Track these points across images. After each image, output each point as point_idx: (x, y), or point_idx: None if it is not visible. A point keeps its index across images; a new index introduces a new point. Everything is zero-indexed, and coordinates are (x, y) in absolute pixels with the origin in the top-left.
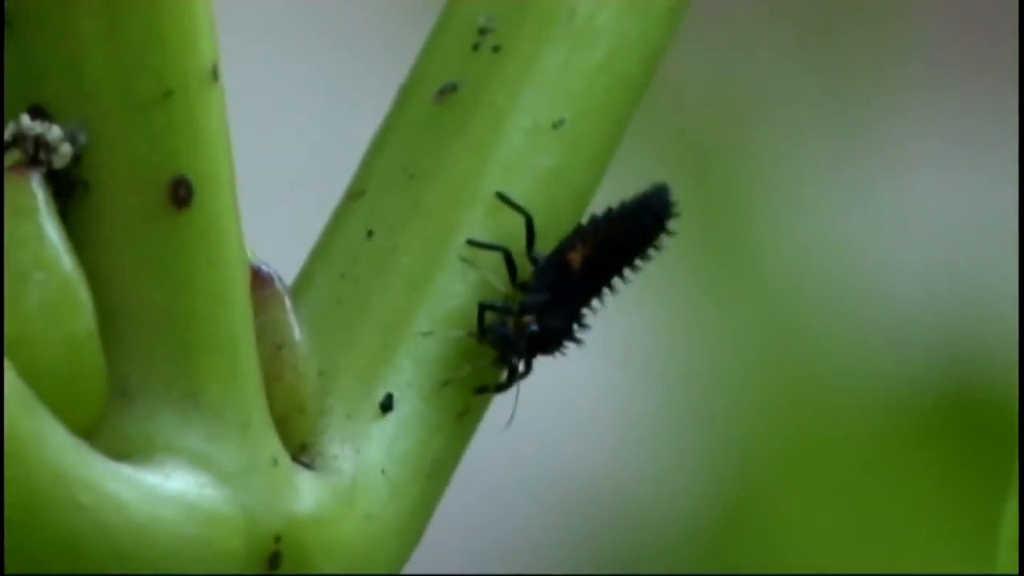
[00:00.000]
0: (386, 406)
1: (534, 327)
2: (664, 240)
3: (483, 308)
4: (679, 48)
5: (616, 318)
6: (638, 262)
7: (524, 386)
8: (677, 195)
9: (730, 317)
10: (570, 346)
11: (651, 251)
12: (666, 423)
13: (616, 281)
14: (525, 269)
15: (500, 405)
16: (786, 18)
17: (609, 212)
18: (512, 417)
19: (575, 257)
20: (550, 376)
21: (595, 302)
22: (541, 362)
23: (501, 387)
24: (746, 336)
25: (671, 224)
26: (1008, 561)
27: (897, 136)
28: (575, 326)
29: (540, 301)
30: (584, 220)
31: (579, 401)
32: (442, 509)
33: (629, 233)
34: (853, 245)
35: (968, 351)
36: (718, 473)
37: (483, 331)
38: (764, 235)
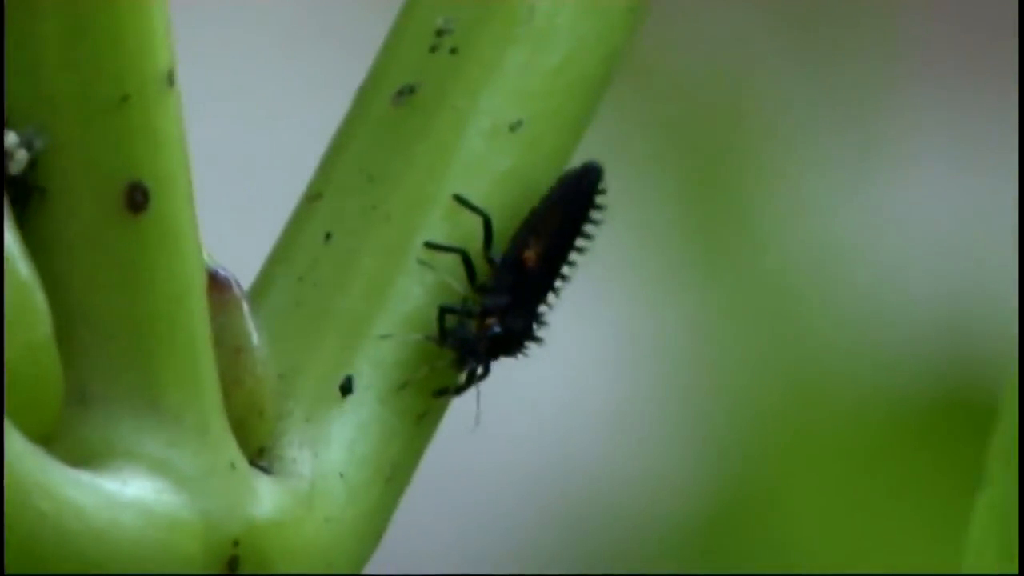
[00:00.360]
0: (346, 388)
1: (496, 329)
2: (599, 216)
3: (443, 311)
4: (679, 43)
5: (613, 314)
6: (582, 245)
7: (519, 383)
8: (678, 191)
9: (729, 313)
10: (538, 345)
11: (592, 230)
12: (662, 420)
13: (567, 270)
14: (484, 271)
15: (489, 404)
16: (787, 13)
17: (544, 202)
18: (477, 418)
19: (530, 255)
20: (545, 372)
21: (552, 298)
22: (536, 359)
23: (460, 389)
24: (745, 332)
25: (603, 199)
26: (976, 560)
27: (899, 132)
28: (535, 325)
29: (501, 303)
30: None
31: (575, 398)
32: (437, 508)
33: (573, 218)
34: (854, 242)
35: (969, 349)
36: (715, 470)
37: (443, 335)
38: (765, 231)
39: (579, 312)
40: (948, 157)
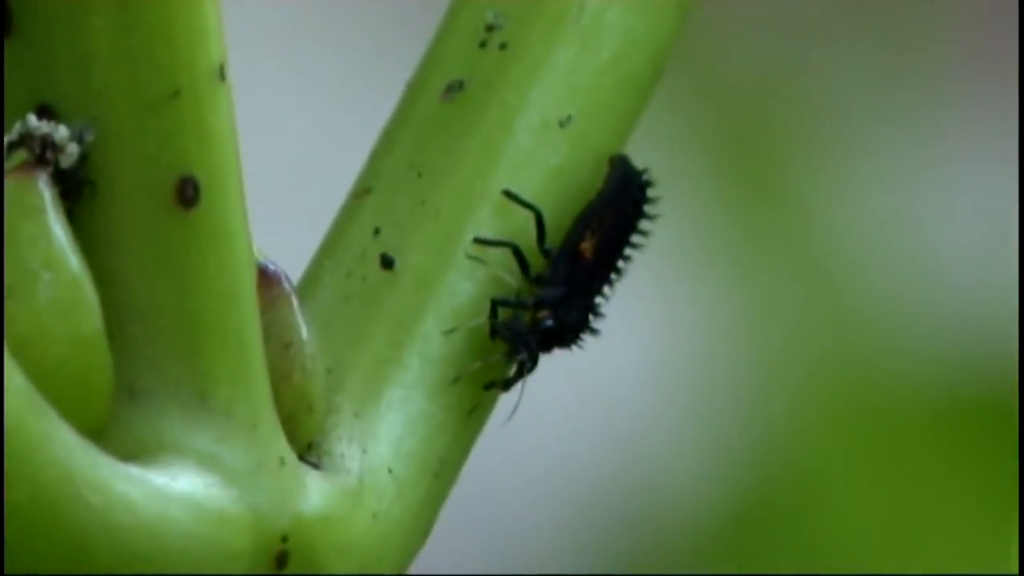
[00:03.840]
0: (387, 261)
1: (549, 322)
2: (655, 211)
3: (496, 304)
4: (729, 27)
5: (647, 313)
6: (639, 240)
7: (551, 375)
8: (723, 174)
9: (767, 312)
10: (594, 337)
11: (649, 226)
12: (696, 422)
13: (623, 265)
14: (536, 264)
15: (530, 398)
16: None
17: (601, 198)
18: (514, 412)
19: (587, 247)
20: (578, 365)
21: (608, 290)
22: (572, 357)
23: (509, 383)
24: (782, 330)
25: (655, 192)
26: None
27: (946, 123)
28: (592, 317)
29: (557, 294)
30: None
31: (610, 399)
32: (461, 505)
33: (627, 213)
34: (899, 229)
35: (1005, 347)
36: (750, 470)
37: (496, 327)
38: (807, 218)
39: (614, 311)
40: (995, 154)
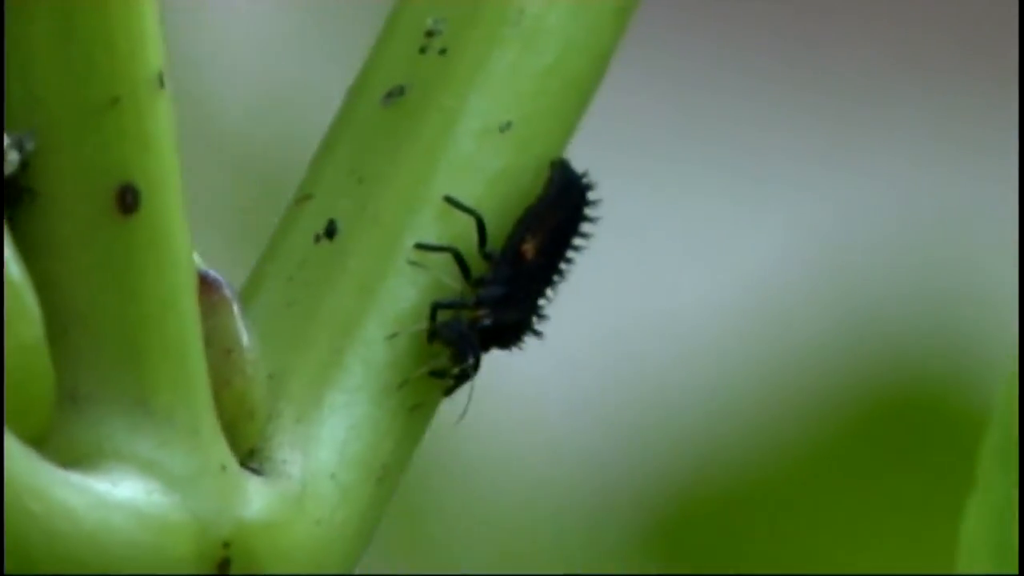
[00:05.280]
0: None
1: (487, 321)
2: (595, 213)
3: (436, 307)
4: None
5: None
6: (580, 243)
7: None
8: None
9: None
10: (537, 338)
11: (589, 228)
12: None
13: (565, 267)
14: (478, 268)
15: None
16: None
17: (542, 201)
18: (465, 411)
19: (528, 248)
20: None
21: (550, 292)
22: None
23: (459, 381)
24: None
25: (596, 195)
26: (968, 561)
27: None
28: (534, 318)
29: (496, 295)
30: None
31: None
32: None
33: (568, 216)
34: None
35: (949, 348)
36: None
37: (435, 329)
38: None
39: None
40: (937, 155)
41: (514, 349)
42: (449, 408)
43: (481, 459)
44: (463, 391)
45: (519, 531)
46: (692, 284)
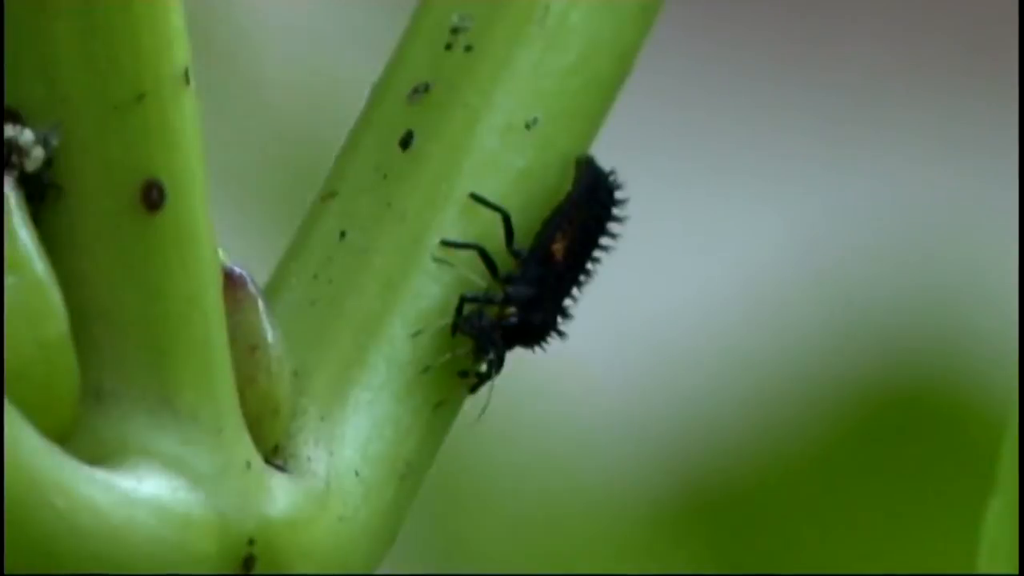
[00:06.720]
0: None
1: (513, 319)
2: (623, 213)
3: (463, 300)
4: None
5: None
6: (607, 242)
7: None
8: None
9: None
10: (560, 339)
11: (617, 228)
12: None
13: (592, 267)
14: (503, 265)
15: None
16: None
17: (570, 200)
18: (484, 410)
19: (558, 248)
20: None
21: (576, 292)
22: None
23: (476, 385)
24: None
25: (623, 194)
26: (989, 561)
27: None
28: (560, 319)
29: (526, 294)
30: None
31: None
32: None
33: (596, 215)
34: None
35: (953, 347)
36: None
37: (459, 322)
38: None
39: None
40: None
41: (537, 349)
42: (472, 407)
43: (504, 458)
44: (486, 389)
45: (543, 530)
46: (691, 282)
